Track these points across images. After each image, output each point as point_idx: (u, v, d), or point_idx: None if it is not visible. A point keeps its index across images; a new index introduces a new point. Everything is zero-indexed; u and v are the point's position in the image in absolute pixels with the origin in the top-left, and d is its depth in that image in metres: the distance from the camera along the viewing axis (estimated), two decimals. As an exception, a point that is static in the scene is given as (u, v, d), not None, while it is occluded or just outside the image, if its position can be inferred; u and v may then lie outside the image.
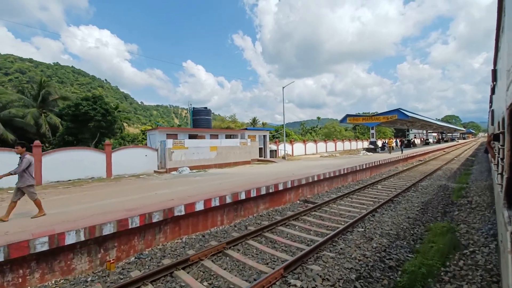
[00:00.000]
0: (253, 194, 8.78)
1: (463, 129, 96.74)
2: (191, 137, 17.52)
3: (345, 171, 14.27)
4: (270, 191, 9.43)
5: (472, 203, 9.52)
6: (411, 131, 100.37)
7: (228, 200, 7.94)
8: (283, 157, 23.80)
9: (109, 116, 27.77)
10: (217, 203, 7.60)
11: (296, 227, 7.59)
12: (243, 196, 8.39)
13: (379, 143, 36.87)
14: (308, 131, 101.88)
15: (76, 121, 27.18)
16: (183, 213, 6.78)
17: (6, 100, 30.97)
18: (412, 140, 46.50)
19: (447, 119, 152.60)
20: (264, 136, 22.90)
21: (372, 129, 29.25)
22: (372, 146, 28.57)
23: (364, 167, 16.59)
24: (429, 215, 8.63)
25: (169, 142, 14.72)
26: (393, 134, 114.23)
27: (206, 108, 20.36)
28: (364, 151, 26.68)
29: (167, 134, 16.10)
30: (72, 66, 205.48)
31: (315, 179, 11.70)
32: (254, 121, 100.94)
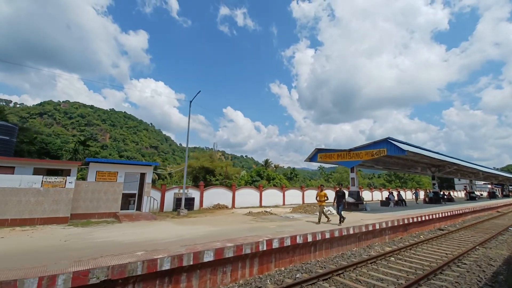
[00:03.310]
0: None
1: (531, 181, 74.44)
2: None
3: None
4: None
5: None
6: (459, 181, 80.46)
7: None
8: (179, 213, 14.28)
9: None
10: None
11: None
12: None
13: (391, 194, 24.44)
14: (327, 176, 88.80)
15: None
16: None
17: None
18: (444, 194, 32.70)
19: (509, 168, 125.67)
20: (143, 174, 14.04)
21: (352, 171, 18.40)
22: (351, 200, 17.42)
23: (244, 251, 6.62)
24: None
25: None
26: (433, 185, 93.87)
27: (7, 122, 12.49)
28: (329, 209, 15.70)
29: None
30: (124, 112, 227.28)
31: None
32: (266, 163, 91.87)
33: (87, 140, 43.63)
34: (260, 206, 21.91)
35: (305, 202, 25.59)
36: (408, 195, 40.91)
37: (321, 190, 11.21)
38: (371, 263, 8.98)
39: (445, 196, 31.62)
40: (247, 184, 30.65)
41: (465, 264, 8.94)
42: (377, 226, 11.70)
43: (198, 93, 15.27)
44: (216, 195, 19.54)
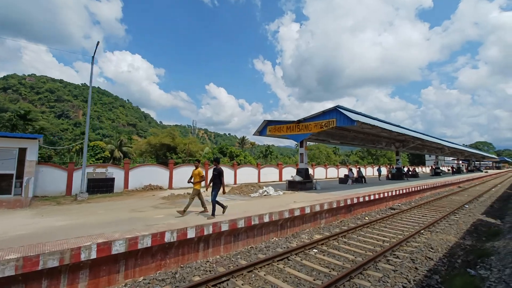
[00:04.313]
0: None
1: (495, 156, 77.81)
2: None
3: None
4: None
5: None
6: (429, 157, 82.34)
7: None
8: (76, 197, 11.52)
9: None
10: None
11: None
12: None
13: (351, 171, 22.76)
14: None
15: None
16: None
17: None
18: (409, 170, 32.02)
19: (477, 145, 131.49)
20: (23, 150, 10.91)
21: (301, 145, 16.19)
22: (298, 178, 15.35)
23: None
24: None
25: None
26: (407, 160, 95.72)
27: None
28: (266, 189, 13.45)
29: None
30: (98, 87, 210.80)
31: None
32: (242, 140, 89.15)
33: (28, 113, 37.82)
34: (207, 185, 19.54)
35: (261, 180, 23.54)
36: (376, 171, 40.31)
37: (196, 168, 8.40)
38: (279, 260, 6.83)
39: (410, 172, 30.87)
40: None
41: (397, 258, 6.99)
42: (307, 210, 9.57)
43: (97, 45, 11.91)
44: (148, 174, 16.79)
